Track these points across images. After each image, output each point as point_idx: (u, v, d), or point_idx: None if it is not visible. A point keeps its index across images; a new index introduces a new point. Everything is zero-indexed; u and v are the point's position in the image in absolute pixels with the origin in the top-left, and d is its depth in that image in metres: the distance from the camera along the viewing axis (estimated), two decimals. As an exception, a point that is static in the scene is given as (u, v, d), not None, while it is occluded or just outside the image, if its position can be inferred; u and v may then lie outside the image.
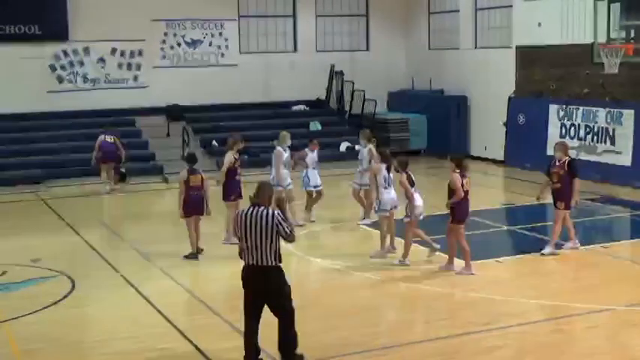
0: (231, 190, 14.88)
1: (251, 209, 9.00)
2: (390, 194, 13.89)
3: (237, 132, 17.51)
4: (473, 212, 17.07)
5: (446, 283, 12.46)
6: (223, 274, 13.53)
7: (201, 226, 14.43)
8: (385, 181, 13.84)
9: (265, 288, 9.01)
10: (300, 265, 13.94)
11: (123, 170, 23.07)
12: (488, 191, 21.27)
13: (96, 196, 21.19)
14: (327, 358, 9.60)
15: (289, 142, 16.45)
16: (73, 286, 12.60)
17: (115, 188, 21.45)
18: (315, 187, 16.77)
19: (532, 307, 11.42)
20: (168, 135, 25.33)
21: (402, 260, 13.43)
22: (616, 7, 19.97)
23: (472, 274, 12.75)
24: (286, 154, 16.18)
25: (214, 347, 9.94)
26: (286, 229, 8.94)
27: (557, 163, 13.84)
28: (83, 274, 13.32)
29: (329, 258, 14.06)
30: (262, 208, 8.98)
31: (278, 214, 8.97)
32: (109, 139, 21.52)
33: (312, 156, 16.89)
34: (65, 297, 12.10)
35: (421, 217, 13.52)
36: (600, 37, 20.43)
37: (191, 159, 14.50)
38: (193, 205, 14.22)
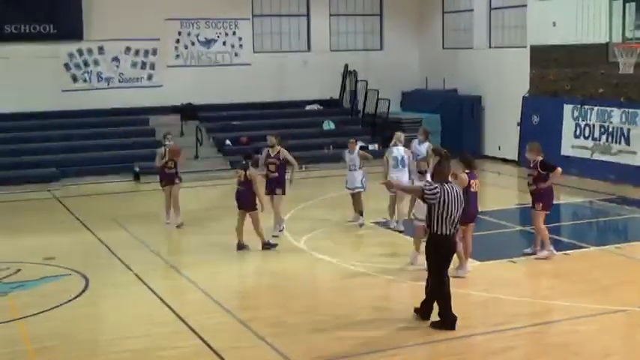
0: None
1: (446, 185, 10.22)
2: None
3: (249, 131, 17.51)
4: (487, 212, 17.14)
5: (459, 283, 12.39)
6: (237, 272, 13.57)
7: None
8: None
9: (453, 252, 10.61)
10: (314, 264, 13.95)
11: (137, 170, 23.14)
12: (502, 191, 21.25)
13: (110, 195, 21.27)
14: (339, 357, 9.59)
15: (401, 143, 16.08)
16: (87, 285, 12.66)
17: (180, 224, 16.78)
18: (347, 189, 16.44)
19: (545, 307, 11.38)
20: (182, 134, 25.37)
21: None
22: (631, 6, 19.89)
23: (466, 274, 12.65)
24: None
25: (227, 346, 9.95)
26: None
27: (531, 165, 13.74)
28: (97, 272, 13.37)
29: (342, 257, 14.05)
30: (452, 184, 10.43)
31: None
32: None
33: (349, 156, 16.37)
34: (79, 295, 12.15)
35: None
36: (615, 37, 20.36)
37: (245, 155, 15.02)
38: (237, 199, 14.65)
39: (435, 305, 10.48)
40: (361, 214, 16.31)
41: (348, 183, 16.42)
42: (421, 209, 12.81)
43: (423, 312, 10.58)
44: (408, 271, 13.04)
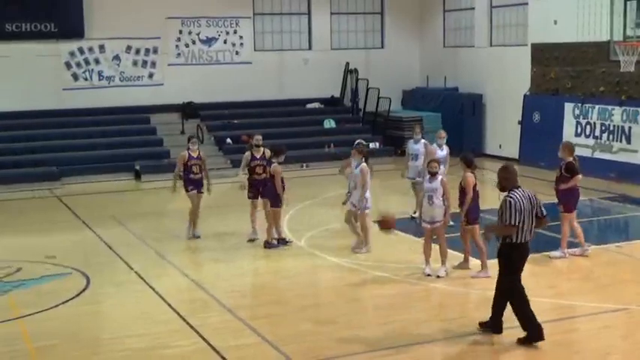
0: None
1: (517, 192, 9.71)
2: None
3: (249, 129, 17.25)
4: (487, 211, 17.14)
5: (459, 282, 12.42)
6: (237, 271, 13.57)
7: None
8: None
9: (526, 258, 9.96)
10: (314, 263, 13.94)
11: (137, 168, 23.15)
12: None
13: (110, 194, 21.27)
14: (339, 356, 9.60)
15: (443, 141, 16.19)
16: (88, 283, 12.66)
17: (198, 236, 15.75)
18: (352, 203, 15.26)
19: (546, 306, 11.35)
20: (182, 132, 25.34)
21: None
22: (632, 4, 19.87)
23: (488, 276, 12.53)
24: (441, 152, 16.15)
25: (227, 344, 9.96)
26: (543, 209, 9.91)
27: (560, 163, 13.74)
28: (97, 271, 13.38)
29: (342, 256, 14.05)
30: (522, 188, 9.82)
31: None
32: (194, 152, 15.75)
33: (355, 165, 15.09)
34: (79, 294, 12.16)
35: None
36: (616, 35, 20.34)
37: (272, 149, 14.93)
38: (262, 194, 14.94)
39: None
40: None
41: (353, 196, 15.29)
42: (427, 212, 12.78)
43: (494, 325, 10.11)
44: (409, 271, 13.04)
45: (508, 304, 9.97)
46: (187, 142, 15.92)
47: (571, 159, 13.58)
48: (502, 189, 10.00)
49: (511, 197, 9.69)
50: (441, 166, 15.55)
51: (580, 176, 13.61)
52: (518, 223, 9.60)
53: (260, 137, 15.50)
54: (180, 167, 15.56)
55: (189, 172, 15.48)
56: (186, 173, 15.49)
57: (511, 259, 9.83)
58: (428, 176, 12.93)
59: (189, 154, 15.55)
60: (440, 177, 12.80)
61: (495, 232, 10.07)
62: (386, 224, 12.86)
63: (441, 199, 12.65)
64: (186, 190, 15.57)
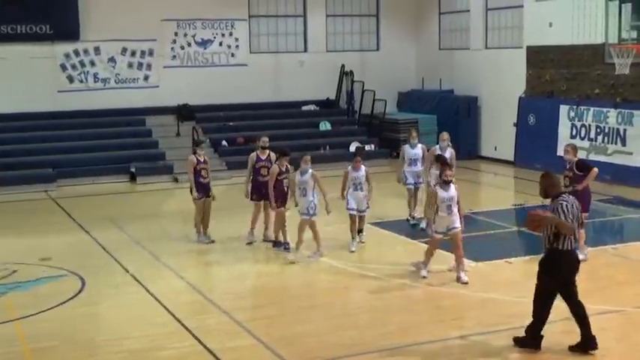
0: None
1: (570, 199, 9.57)
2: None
3: (245, 132, 17.11)
4: (483, 213, 17.18)
5: (455, 284, 12.42)
6: (233, 273, 13.56)
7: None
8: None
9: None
10: (310, 265, 13.93)
11: (133, 170, 23.14)
12: (499, 192, 21.27)
13: (106, 196, 21.26)
14: (335, 358, 9.60)
15: (446, 143, 15.91)
16: (83, 285, 12.65)
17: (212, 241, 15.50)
18: (350, 209, 14.85)
19: (542, 307, 11.37)
20: (178, 135, 25.37)
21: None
22: (627, 7, 19.93)
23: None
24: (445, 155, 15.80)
25: (223, 346, 9.96)
26: (582, 216, 9.96)
27: (567, 166, 13.74)
28: (93, 273, 13.36)
29: (338, 258, 14.05)
30: (570, 195, 9.76)
31: None
32: (201, 157, 15.61)
33: (352, 175, 14.78)
34: (75, 296, 12.15)
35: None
36: (611, 38, 20.39)
37: (277, 151, 14.94)
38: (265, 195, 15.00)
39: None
40: (361, 232, 15.22)
41: (350, 203, 14.81)
42: (444, 222, 12.53)
43: (534, 342, 9.79)
44: (405, 272, 13.04)
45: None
46: (195, 147, 15.77)
47: (576, 159, 13.61)
48: (546, 196, 9.81)
49: (565, 202, 9.48)
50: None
51: (596, 169, 13.59)
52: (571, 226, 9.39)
53: (267, 139, 15.44)
54: (192, 172, 15.30)
55: (199, 175, 15.22)
56: (196, 176, 15.22)
57: (556, 266, 9.52)
58: (434, 183, 12.72)
59: (197, 158, 15.33)
60: (452, 185, 12.51)
61: (560, 225, 9.35)
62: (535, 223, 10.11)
63: (457, 206, 12.54)
64: (195, 198, 15.25)
